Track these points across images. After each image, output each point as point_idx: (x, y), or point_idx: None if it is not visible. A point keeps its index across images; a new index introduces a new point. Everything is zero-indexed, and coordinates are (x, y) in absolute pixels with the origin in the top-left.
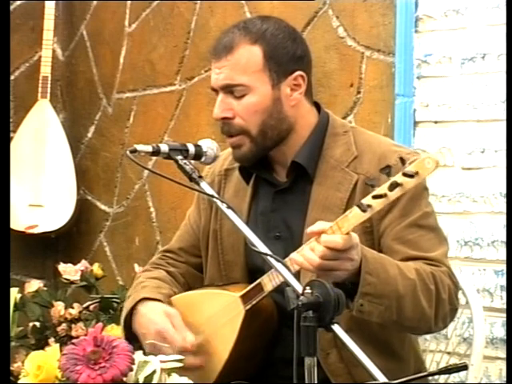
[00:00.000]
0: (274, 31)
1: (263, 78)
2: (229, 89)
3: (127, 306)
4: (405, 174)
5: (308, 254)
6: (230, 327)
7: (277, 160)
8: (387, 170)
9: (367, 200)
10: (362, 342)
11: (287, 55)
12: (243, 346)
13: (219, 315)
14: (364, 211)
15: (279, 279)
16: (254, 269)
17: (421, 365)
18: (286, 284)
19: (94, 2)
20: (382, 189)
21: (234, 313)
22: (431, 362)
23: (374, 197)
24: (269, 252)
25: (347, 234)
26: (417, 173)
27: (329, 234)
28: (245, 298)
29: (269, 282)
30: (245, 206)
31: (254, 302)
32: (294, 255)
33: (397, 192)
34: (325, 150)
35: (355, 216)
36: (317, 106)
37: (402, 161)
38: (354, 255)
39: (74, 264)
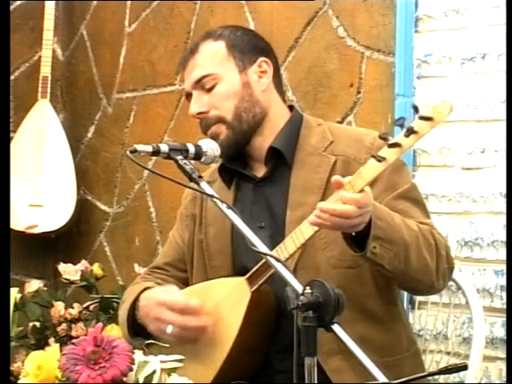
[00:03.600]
0: (232, 30)
1: (229, 65)
2: (199, 83)
3: (129, 300)
4: (421, 118)
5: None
6: (237, 310)
7: (254, 156)
8: (401, 122)
9: (383, 152)
10: (350, 308)
11: (248, 45)
12: (248, 333)
13: (226, 300)
14: (379, 161)
15: (288, 252)
16: (242, 270)
17: (413, 344)
18: (285, 284)
19: (94, 2)
20: (398, 138)
21: (240, 295)
22: (431, 362)
23: (390, 146)
24: (269, 252)
25: (361, 191)
26: (432, 118)
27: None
28: (250, 280)
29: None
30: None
31: (260, 282)
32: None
33: (411, 139)
34: (301, 140)
35: (370, 169)
36: (290, 108)
37: (416, 109)
38: (370, 208)
39: (74, 264)
